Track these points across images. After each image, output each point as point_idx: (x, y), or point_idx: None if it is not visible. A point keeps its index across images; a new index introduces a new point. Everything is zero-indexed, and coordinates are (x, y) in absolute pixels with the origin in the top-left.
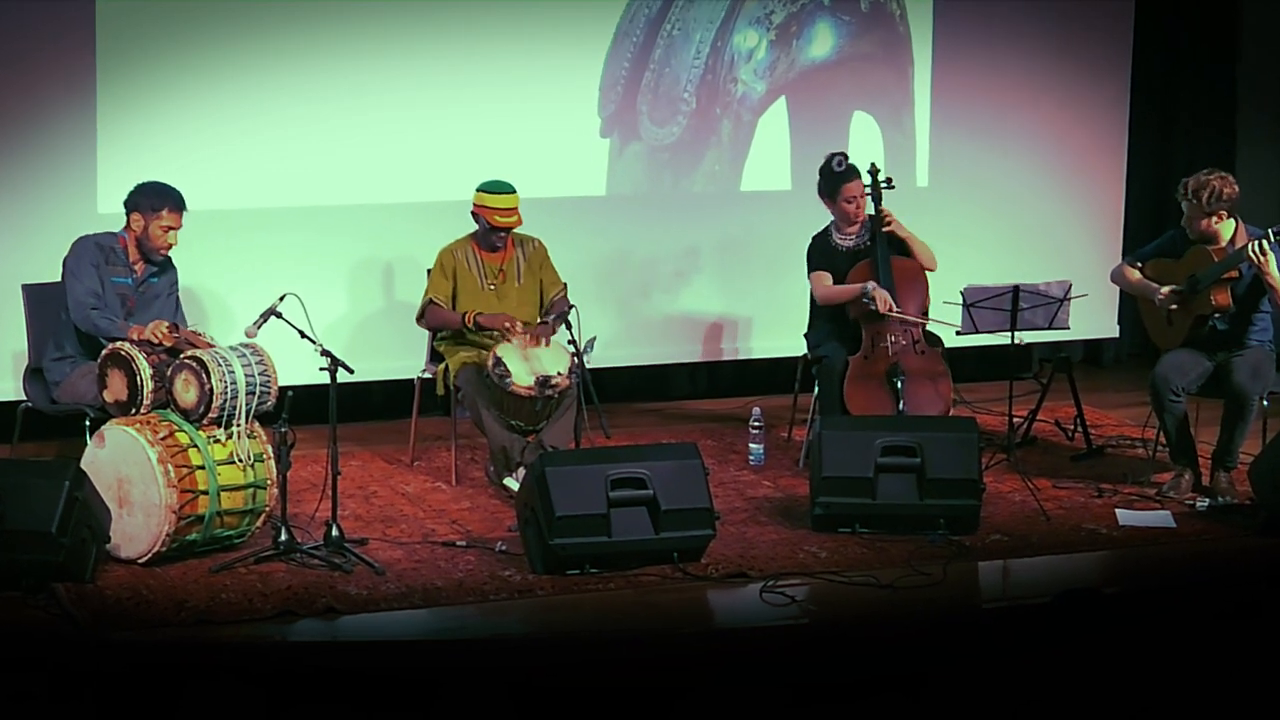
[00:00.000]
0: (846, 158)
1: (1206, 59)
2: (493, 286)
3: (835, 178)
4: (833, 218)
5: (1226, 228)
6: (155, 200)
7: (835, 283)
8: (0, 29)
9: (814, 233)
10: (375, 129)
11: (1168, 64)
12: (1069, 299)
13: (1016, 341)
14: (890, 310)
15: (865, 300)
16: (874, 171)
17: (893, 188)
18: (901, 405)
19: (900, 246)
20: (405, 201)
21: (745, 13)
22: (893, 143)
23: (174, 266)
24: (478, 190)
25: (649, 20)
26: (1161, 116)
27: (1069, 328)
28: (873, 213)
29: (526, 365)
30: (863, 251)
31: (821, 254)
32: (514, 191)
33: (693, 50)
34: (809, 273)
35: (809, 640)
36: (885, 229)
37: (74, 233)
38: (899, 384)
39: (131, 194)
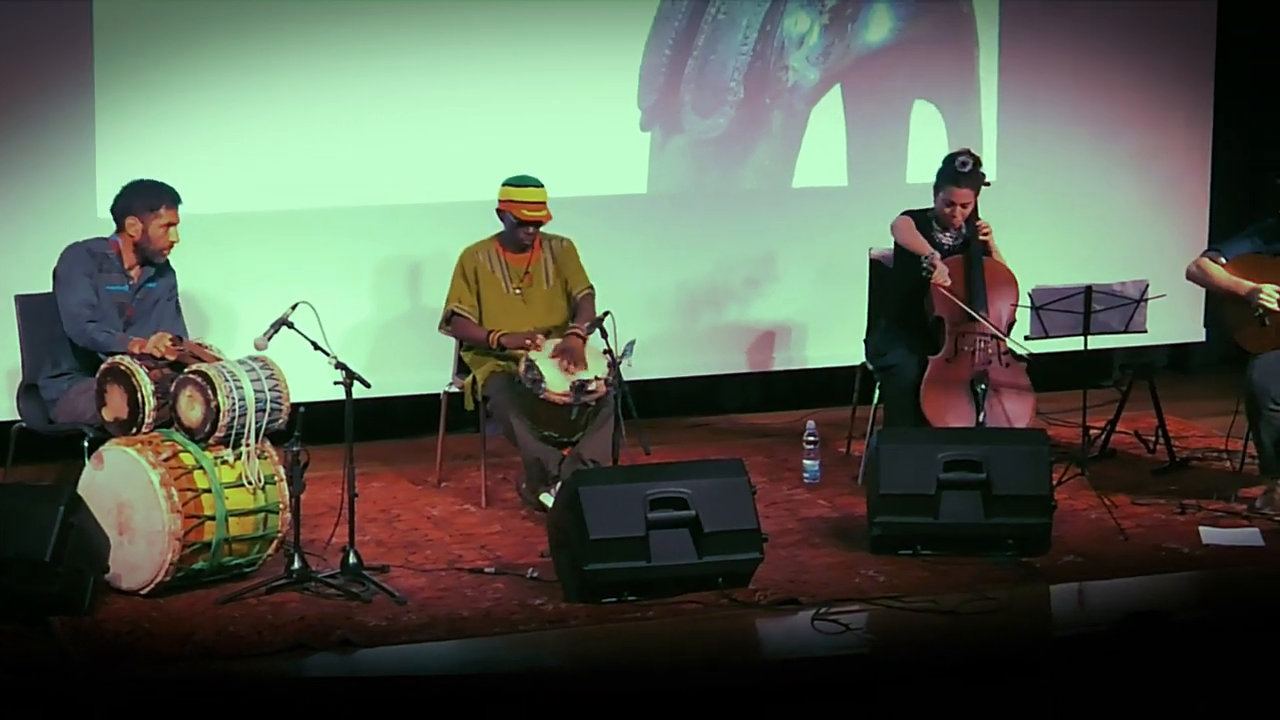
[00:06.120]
0: (976, 162)
1: None
2: (518, 291)
3: (948, 175)
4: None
5: None
6: (151, 199)
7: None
8: None
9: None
10: (394, 124)
11: (1257, 41)
12: (1146, 300)
13: (1088, 346)
14: (944, 284)
15: (924, 265)
16: (978, 165)
17: (989, 184)
18: (982, 417)
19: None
20: (428, 202)
21: None
22: (957, 133)
23: (172, 270)
24: (503, 185)
25: (692, 3)
26: (1251, 100)
27: (1146, 331)
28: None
29: (561, 371)
30: (956, 250)
31: (917, 223)
32: (542, 185)
33: (740, 35)
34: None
35: (865, 672)
36: (982, 238)
37: (71, 238)
38: (982, 393)
39: (121, 198)
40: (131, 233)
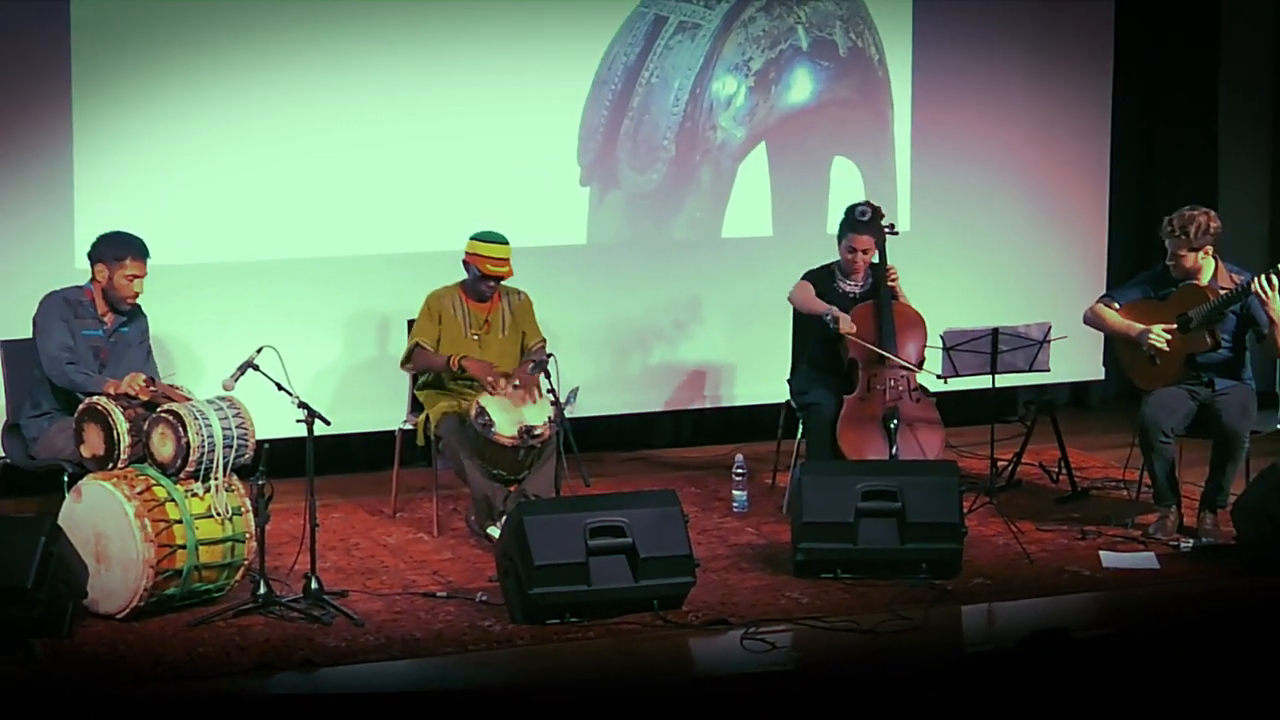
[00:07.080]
0: (877, 212)
1: (1188, 100)
2: (476, 336)
3: (847, 223)
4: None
5: (1208, 265)
6: (118, 250)
7: None
8: None
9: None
10: (352, 180)
11: (1149, 104)
12: (1049, 341)
13: (996, 385)
14: (850, 331)
15: (829, 322)
16: (878, 215)
17: (895, 233)
18: (895, 450)
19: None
20: (383, 253)
21: (724, 59)
22: (874, 187)
23: (144, 314)
24: (471, 239)
25: (627, 68)
26: (1144, 157)
27: (1049, 370)
28: (875, 261)
29: (510, 415)
30: (864, 298)
31: (819, 282)
32: (508, 242)
33: (671, 97)
34: (798, 281)
35: (790, 687)
36: (890, 283)
37: (51, 287)
38: (894, 428)
39: (94, 245)
40: (99, 279)
